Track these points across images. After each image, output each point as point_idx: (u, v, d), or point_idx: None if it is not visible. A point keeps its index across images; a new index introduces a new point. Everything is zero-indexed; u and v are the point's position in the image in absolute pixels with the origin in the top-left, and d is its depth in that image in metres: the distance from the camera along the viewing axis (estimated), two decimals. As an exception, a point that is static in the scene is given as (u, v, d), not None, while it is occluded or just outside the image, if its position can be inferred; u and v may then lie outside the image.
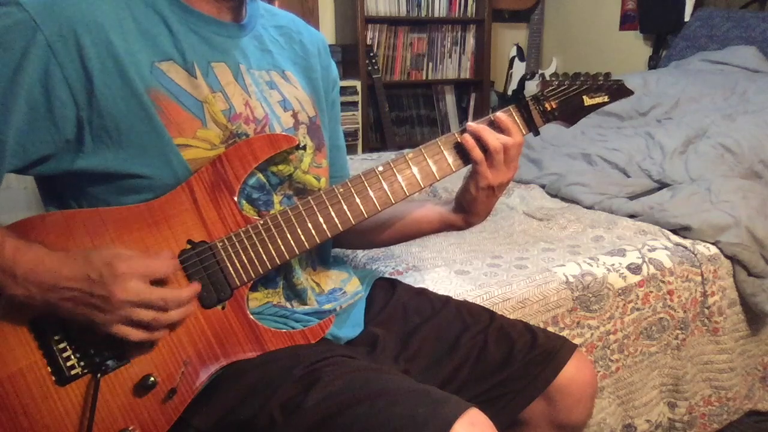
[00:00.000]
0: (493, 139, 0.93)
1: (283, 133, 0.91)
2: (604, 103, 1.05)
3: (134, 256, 0.76)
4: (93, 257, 0.74)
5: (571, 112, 1.02)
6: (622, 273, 1.46)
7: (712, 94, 2.33)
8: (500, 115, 0.96)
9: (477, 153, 0.94)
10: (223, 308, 0.84)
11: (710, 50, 2.71)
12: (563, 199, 2.02)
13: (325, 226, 0.88)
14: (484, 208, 1.00)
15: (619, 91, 1.05)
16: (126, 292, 0.73)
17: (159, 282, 0.78)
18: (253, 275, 0.85)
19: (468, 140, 0.94)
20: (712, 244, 1.62)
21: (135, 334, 0.76)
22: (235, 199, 0.84)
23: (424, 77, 3.82)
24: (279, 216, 0.86)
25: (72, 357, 0.77)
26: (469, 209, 1.00)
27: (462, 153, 0.96)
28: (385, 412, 0.74)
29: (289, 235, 0.86)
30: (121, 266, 0.73)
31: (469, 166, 0.97)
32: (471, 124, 0.95)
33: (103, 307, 0.73)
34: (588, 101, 1.03)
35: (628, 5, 3.40)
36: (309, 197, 0.89)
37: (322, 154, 1.01)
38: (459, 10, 3.76)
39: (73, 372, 0.77)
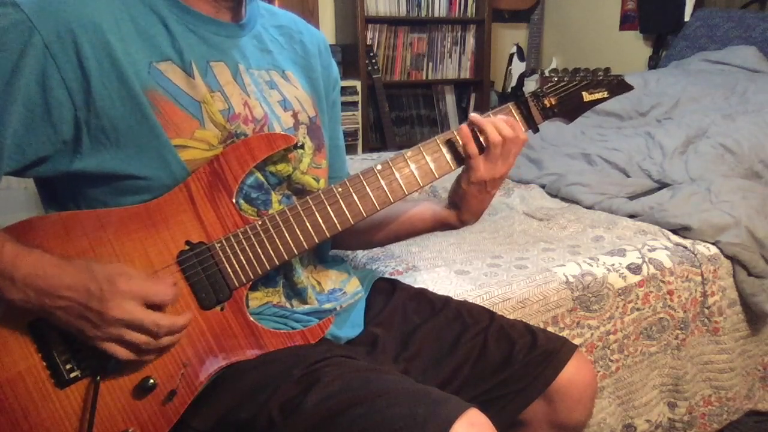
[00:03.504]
0: (493, 131, 0.92)
1: (281, 133, 0.91)
2: (603, 99, 1.04)
3: (137, 277, 0.76)
4: (97, 270, 0.74)
5: (570, 109, 1.02)
6: (622, 273, 1.46)
7: (712, 94, 2.33)
8: (499, 111, 0.96)
9: (472, 146, 0.93)
10: (222, 309, 0.84)
11: (710, 50, 2.71)
12: (563, 199, 2.02)
13: (323, 226, 0.88)
14: (476, 204, 0.98)
15: (618, 86, 1.04)
16: (121, 311, 0.73)
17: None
18: (251, 276, 0.85)
19: (464, 133, 0.93)
20: (712, 244, 1.62)
21: (124, 354, 0.75)
22: (233, 199, 0.84)
23: (424, 77, 3.82)
24: (277, 216, 0.86)
25: (71, 359, 0.77)
26: (460, 205, 0.99)
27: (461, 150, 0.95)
28: (385, 413, 0.74)
29: (287, 236, 0.86)
30: (122, 285, 0.73)
31: None
32: (474, 115, 0.94)
33: (96, 322, 0.73)
34: (587, 97, 1.02)
35: (628, 5, 3.40)
36: (307, 197, 0.88)
37: (322, 154, 1.00)
38: (459, 10, 3.75)
39: (72, 375, 0.77)
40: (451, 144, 0.95)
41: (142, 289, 0.75)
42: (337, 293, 1.02)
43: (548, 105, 0.99)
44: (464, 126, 0.94)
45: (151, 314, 0.75)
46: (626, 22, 3.43)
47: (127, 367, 0.79)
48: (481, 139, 0.93)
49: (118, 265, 0.76)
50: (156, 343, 0.76)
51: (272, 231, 0.86)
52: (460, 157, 0.95)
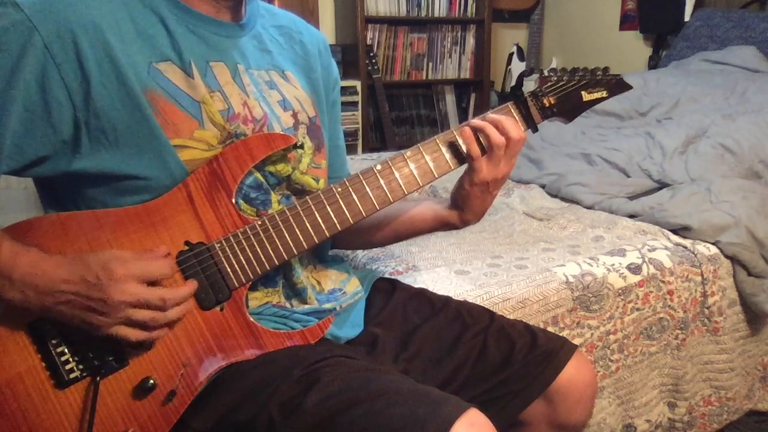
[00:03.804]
0: (495, 134, 0.92)
1: (280, 133, 0.91)
2: (602, 98, 1.04)
3: (131, 258, 0.76)
4: (90, 260, 0.73)
5: (569, 108, 1.01)
6: (622, 273, 1.46)
7: (712, 94, 2.33)
8: (498, 111, 0.96)
9: (474, 148, 0.93)
10: (221, 310, 0.84)
11: (710, 50, 2.71)
12: (563, 199, 2.02)
13: (323, 226, 0.88)
14: (478, 205, 0.99)
15: (617, 85, 1.04)
16: (123, 294, 0.73)
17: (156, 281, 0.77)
18: (251, 276, 0.84)
19: (467, 134, 0.93)
20: (712, 244, 1.62)
21: (134, 334, 0.76)
22: (233, 199, 0.84)
23: (424, 77, 3.82)
24: (277, 216, 0.86)
25: (71, 360, 0.77)
26: (462, 205, 0.99)
27: (461, 150, 0.95)
28: (385, 413, 0.74)
29: (287, 236, 0.86)
30: (118, 269, 0.73)
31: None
32: (474, 120, 0.94)
33: (101, 310, 0.73)
34: (587, 96, 1.02)
35: (628, 5, 3.40)
36: (307, 197, 0.88)
37: (322, 154, 1.00)
38: (459, 10, 3.76)
39: (72, 375, 0.77)
40: (450, 144, 0.95)
41: (139, 270, 0.75)
42: (337, 293, 1.01)
43: (547, 104, 0.99)
44: (466, 127, 0.94)
45: (154, 290, 0.75)
46: (626, 22, 3.43)
47: (127, 367, 0.78)
48: (483, 140, 0.93)
49: (109, 251, 0.76)
50: (164, 316, 0.76)
51: (272, 231, 0.85)
52: (460, 157, 0.95)
